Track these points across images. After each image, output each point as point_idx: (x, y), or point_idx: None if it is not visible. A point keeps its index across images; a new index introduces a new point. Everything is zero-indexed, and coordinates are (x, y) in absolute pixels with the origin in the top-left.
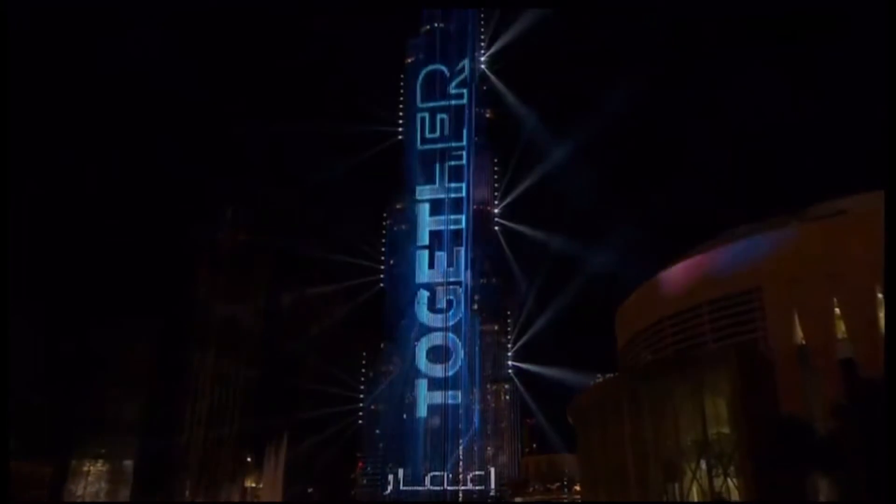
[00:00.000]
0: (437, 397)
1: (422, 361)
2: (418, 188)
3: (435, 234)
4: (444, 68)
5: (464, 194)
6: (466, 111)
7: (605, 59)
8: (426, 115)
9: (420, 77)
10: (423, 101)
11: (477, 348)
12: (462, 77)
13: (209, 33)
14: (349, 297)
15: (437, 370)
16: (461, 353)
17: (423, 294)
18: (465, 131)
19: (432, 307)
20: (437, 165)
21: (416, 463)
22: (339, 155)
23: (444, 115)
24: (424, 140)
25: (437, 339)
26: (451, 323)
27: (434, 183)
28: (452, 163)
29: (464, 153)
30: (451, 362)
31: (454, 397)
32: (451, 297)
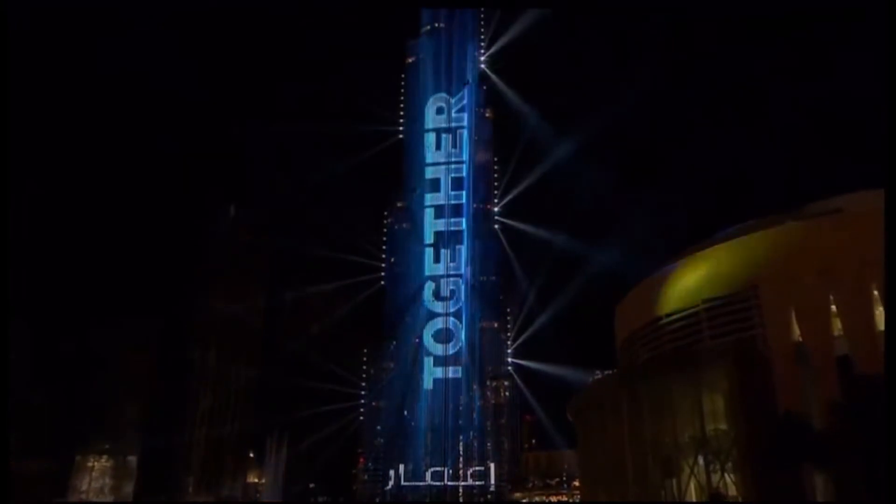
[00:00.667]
0: (441, 372)
1: (428, 341)
2: (426, 195)
3: (439, 234)
4: (447, 95)
5: (464, 201)
6: (466, 133)
7: (606, 58)
8: (432, 134)
9: (427, 103)
10: (429, 123)
11: (477, 332)
12: (461, 104)
13: (209, 33)
14: (350, 296)
15: (441, 349)
16: (462, 335)
17: (430, 285)
18: (464, 148)
19: (437, 296)
20: (441, 177)
21: (417, 459)
22: (340, 154)
23: (447, 136)
24: (430, 155)
25: (441, 323)
26: (452, 309)
27: (438, 191)
28: (454, 175)
29: (464, 166)
30: (452, 343)
31: (455, 372)
32: (454, 288)
